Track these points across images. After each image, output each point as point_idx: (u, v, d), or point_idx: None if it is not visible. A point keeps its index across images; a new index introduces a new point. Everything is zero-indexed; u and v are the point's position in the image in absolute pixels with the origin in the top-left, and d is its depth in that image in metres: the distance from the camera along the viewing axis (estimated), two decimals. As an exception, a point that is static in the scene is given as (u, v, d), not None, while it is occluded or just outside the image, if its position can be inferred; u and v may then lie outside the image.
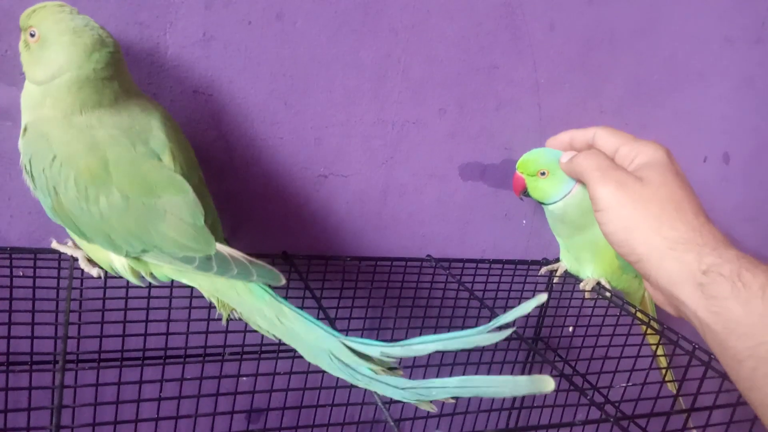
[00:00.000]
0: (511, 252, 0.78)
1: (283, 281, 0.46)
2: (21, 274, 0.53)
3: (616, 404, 0.53)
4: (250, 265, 0.46)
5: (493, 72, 0.68)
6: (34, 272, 0.52)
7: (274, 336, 0.46)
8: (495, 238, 0.77)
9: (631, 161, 0.51)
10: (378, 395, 0.43)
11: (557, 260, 0.74)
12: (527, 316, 0.77)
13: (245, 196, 0.62)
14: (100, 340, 0.52)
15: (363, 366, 0.43)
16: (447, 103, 0.68)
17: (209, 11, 0.55)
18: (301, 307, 0.45)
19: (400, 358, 0.43)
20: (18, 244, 0.55)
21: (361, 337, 0.44)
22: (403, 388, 0.41)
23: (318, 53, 0.60)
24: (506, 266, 0.74)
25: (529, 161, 0.63)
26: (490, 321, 0.42)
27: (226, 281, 0.46)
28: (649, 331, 0.65)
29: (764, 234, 0.97)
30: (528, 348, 0.78)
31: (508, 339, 0.42)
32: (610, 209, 0.48)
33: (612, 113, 0.77)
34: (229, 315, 0.48)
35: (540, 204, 0.65)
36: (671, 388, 0.70)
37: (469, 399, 0.69)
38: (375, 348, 0.43)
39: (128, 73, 0.48)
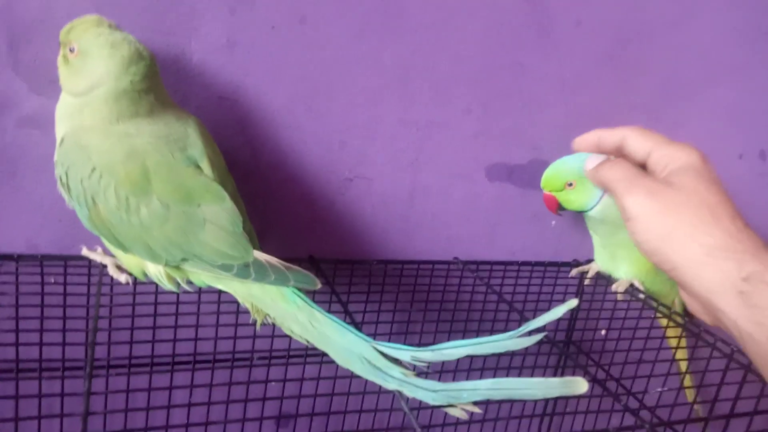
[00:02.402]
0: (540, 254, 0.78)
1: (319, 285, 0.47)
2: (52, 281, 0.54)
3: (652, 409, 0.53)
4: (287, 271, 0.47)
5: (518, 70, 0.68)
6: (65, 279, 0.54)
7: (306, 341, 0.47)
8: (524, 240, 0.77)
9: (664, 167, 0.50)
10: (406, 402, 0.43)
11: (588, 261, 0.73)
12: (558, 320, 0.77)
13: (271, 201, 0.63)
14: (130, 346, 0.54)
15: (394, 369, 0.43)
16: (471, 102, 0.68)
17: (233, 17, 0.56)
18: (328, 311, 0.46)
19: (431, 363, 0.44)
20: (48, 252, 0.56)
21: (389, 341, 0.44)
22: (434, 391, 0.42)
23: (340, 55, 0.61)
24: (535, 268, 0.74)
25: (552, 177, 0.63)
26: (519, 325, 0.42)
27: (261, 287, 0.47)
28: (685, 333, 0.64)
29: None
30: (559, 352, 0.77)
31: (539, 343, 0.43)
32: (641, 218, 0.48)
33: (643, 109, 0.76)
34: (263, 320, 0.49)
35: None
36: (691, 394, 0.69)
37: (499, 405, 0.69)
38: (406, 352, 0.44)
39: (162, 84, 0.49)
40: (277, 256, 0.64)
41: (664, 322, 0.67)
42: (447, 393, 0.41)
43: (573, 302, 0.44)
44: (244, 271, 0.46)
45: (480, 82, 0.67)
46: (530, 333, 0.41)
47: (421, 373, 0.44)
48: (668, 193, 0.48)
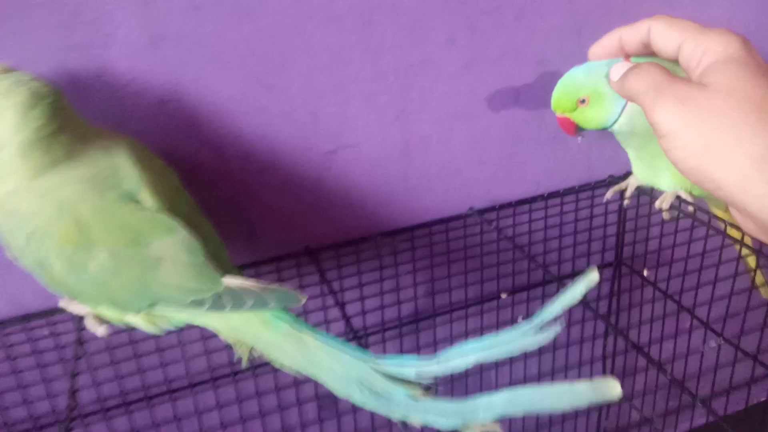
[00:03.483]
0: (570, 177, 0.69)
1: (303, 301, 0.43)
2: (36, 336, 0.53)
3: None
4: (264, 293, 0.42)
5: (501, -24, 0.58)
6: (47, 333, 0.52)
7: (298, 372, 0.43)
8: (548, 166, 0.68)
9: (697, 63, 0.41)
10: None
11: (626, 175, 0.65)
12: (604, 243, 0.70)
13: (249, 198, 0.58)
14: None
15: (399, 391, 0.39)
16: (454, 29, 0.58)
17: (147, 10, 0.49)
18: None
19: (438, 376, 0.39)
20: (32, 304, 0.54)
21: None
22: (445, 415, 0.37)
23: (285, 19, 0.53)
24: (566, 198, 0.66)
25: (560, 96, 0.54)
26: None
27: (241, 316, 0.43)
28: (745, 251, 0.56)
29: None
30: (605, 324, 0.71)
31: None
32: (673, 133, 0.39)
33: (665, -17, 0.64)
34: (249, 355, 0.46)
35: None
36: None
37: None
38: (409, 369, 0.39)
39: (77, 116, 0.44)
40: (273, 253, 0.60)
41: (720, 239, 0.58)
42: (460, 414, 0.37)
43: (594, 275, 0.38)
44: (217, 303, 0.42)
45: (458, 3, 0.57)
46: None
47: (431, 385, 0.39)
48: (703, 97, 0.39)
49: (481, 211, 0.63)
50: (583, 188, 0.66)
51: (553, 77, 0.59)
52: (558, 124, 0.56)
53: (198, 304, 0.42)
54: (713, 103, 0.37)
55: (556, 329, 0.37)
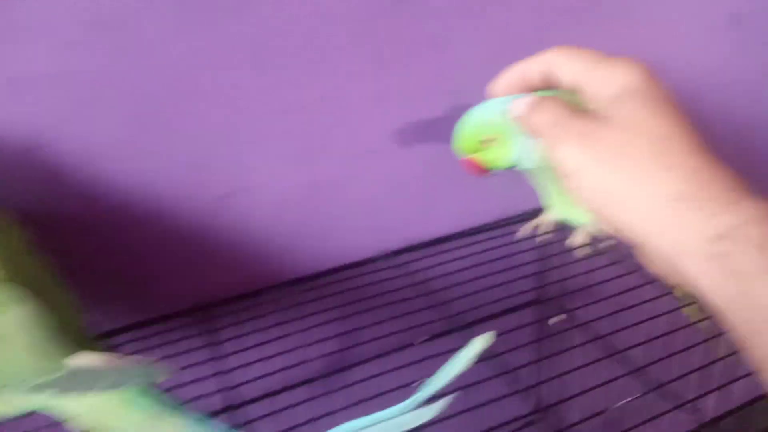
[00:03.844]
0: (493, 211, 0.66)
1: (164, 377, 0.38)
2: None
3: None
4: (120, 370, 0.37)
5: (402, 6, 0.54)
6: None
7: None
8: (468, 202, 0.65)
9: (599, 96, 0.38)
10: None
11: (540, 212, 0.62)
12: (525, 283, 0.67)
13: (129, 251, 0.51)
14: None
15: None
16: (356, 60, 0.54)
17: (3, 47, 0.42)
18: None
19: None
20: None
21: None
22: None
23: (170, 55, 0.47)
24: (484, 235, 0.63)
25: (462, 140, 0.50)
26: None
27: (100, 398, 0.37)
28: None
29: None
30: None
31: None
32: (577, 172, 0.36)
33: (581, 10, 0.62)
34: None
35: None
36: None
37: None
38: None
39: None
40: (160, 312, 0.54)
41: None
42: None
43: (485, 338, 0.35)
44: (65, 385, 0.37)
45: (359, 32, 0.53)
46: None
47: None
48: (605, 133, 0.36)
49: (396, 253, 0.59)
50: (499, 224, 0.64)
51: (468, 109, 0.56)
52: (463, 166, 0.52)
53: (41, 388, 0.36)
54: (616, 140, 0.34)
55: (448, 400, 0.33)
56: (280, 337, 0.56)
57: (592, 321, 0.60)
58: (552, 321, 0.67)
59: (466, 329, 0.64)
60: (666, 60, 0.69)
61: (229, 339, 0.53)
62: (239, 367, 0.49)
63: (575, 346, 0.59)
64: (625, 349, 0.55)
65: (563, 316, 0.66)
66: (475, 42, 0.58)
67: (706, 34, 0.71)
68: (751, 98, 0.78)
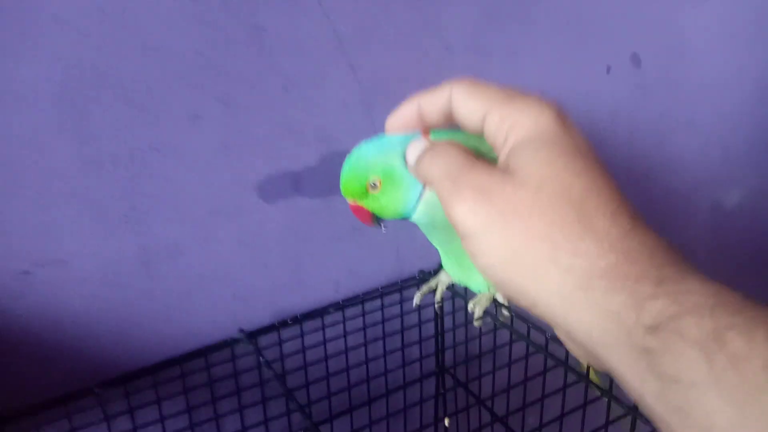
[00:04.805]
0: (377, 273, 0.58)
1: None
2: None
3: None
4: None
5: (260, 36, 0.46)
6: None
7: None
8: (348, 264, 0.56)
9: (504, 140, 0.31)
10: None
11: (436, 271, 0.54)
12: (421, 357, 0.58)
13: None
14: None
15: None
16: (199, 103, 0.45)
17: None
18: None
19: None
20: None
21: None
22: None
23: None
24: (368, 304, 0.54)
25: (346, 182, 0.42)
26: None
27: None
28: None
29: (701, 142, 0.80)
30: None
31: None
32: (475, 236, 0.29)
33: (464, 47, 0.55)
34: None
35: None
36: None
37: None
38: None
39: None
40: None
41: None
42: None
43: None
44: None
45: (205, 70, 0.44)
46: None
47: None
48: (508, 189, 0.29)
49: (255, 334, 0.49)
50: (389, 289, 0.55)
51: (342, 157, 0.47)
52: (352, 212, 0.44)
53: None
54: (520, 198, 0.28)
55: None
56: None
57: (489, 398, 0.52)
58: (446, 422, 0.59)
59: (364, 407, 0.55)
60: (567, 98, 0.64)
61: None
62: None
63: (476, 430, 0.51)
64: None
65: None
66: (345, 83, 0.50)
67: (607, 74, 0.67)
68: (654, 142, 0.75)
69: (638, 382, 0.25)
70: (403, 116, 0.36)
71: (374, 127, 0.41)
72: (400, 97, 0.37)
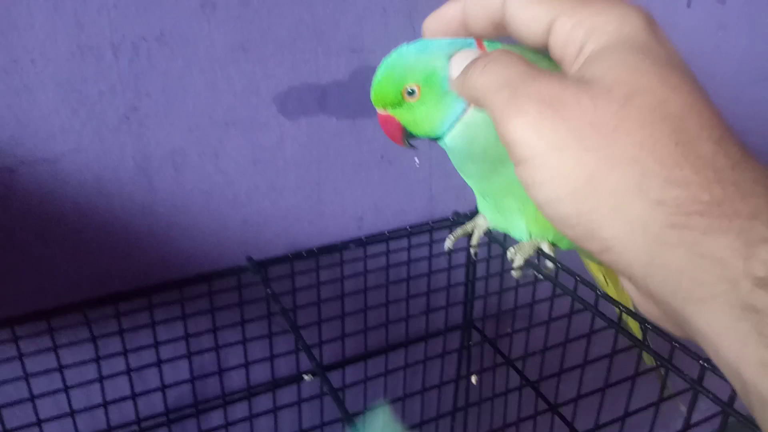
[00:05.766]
0: (406, 212, 0.53)
1: None
2: None
3: None
4: None
5: None
6: None
7: None
8: (374, 198, 0.51)
9: (578, 50, 0.26)
10: None
11: (473, 215, 0.49)
12: (448, 309, 0.53)
13: None
14: None
15: None
16: (214, -11, 0.39)
17: None
18: None
19: None
20: None
21: None
22: None
23: None
24: (393, 242, 0.49)
25: (380, 86, 0.36)
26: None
27: None
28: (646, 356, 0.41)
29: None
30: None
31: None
32: (538, 158, 0.24)
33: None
34: None
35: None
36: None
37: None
38: None
39: None
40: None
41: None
42: None
43: None
44: None
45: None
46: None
47: None
48: (586, 101, 0.24)
49: (265, 264, 0.44)
50: (418, 229, 0.49)
51: (371, 73, 0.42)
52: (380, 123, 0.38)
53: None
54: (602, 112, 0.23)
55: None
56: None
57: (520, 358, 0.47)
58: (474, 379, 0.54)
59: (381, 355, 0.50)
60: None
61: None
62: None
63: (502, 393, 0.46)
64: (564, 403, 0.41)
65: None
66: (387, -19, 0.44)
67: (687, 8, 0.59)
68: (729, 96, 0.67)
69: (736, 349, 0.20)
70: (444, 18, 0.31)
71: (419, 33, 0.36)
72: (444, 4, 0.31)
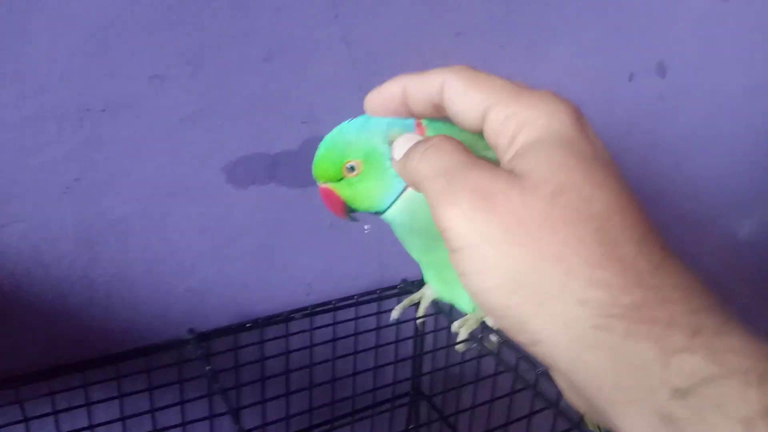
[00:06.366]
0: (356, 278, 0.53)
1: None
2: None
3: None
4: None
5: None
6: None
7: None
8: (323, 265, 0.51)
9: (510, 141, 0.27)
10: None
11: (422, 283, 0.49)
12: (395, 379, 0.53)
13: None
14: None
15: None
16: (163, 62, 0.40)
17: None
18: None
19: None
20: None
21: None
22: None
23: None
24: (340, 308, 0.49)
25: (321, 160, 0.37)
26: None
27: None
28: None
29: (725, 160, 0.75)
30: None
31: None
32: (468, 249, 0.25)
33: (476, 34, 0.50)
34: None
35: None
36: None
37: None
38: None
39: None
40: None
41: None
42: None
43: None
44: None
45: (177, 25, 0.39)
46: None
47: None
48: (515, 195, 0.25)
49: (207, 336, 0.44)
50: (366, 298, 0.50)
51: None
52: (321, 197, 0.39)
53: None
54: (530, 208, 0.24)
55: None
56: None
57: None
58: None
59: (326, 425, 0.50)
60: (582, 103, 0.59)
61: None
62: None
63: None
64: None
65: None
66: (338, 57, 0.45)
67: (629, 82, 0.62)
68: (672, 161, 0.70)
69: None
70: (385, 96, 0.32)
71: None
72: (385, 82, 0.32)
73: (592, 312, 0.21)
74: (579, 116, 0.26)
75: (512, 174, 0.24)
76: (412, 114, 0.31)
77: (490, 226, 0.24)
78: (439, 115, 0.31)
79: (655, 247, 0.23)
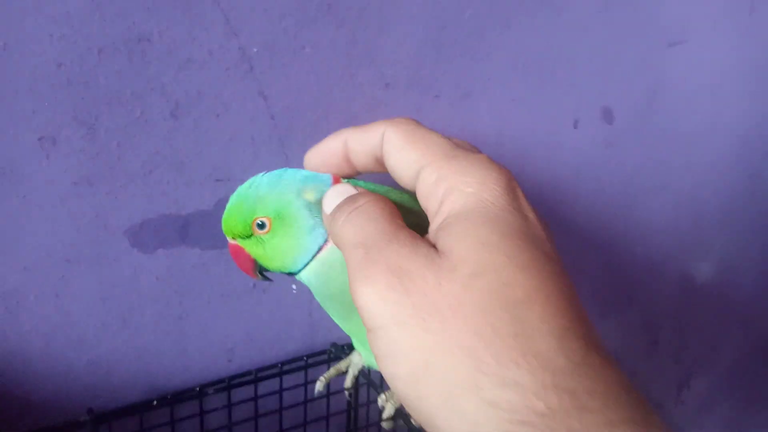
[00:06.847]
0: (283, 341, 0.50)
1: None
2: None
3: None
4: None
5: (143, 50, 0.38)
6: None
7: None
8: (245, 329, 0.48)
9: (438, 205, 0.25)
10: None
11: (351, 347, 0.46)
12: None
13: None
14: None
15: None
16: (53, 123, 0.37)
17: None
18: None
19: None
20: None
21: None
22: None
23: None
24: (262, 380, 0.45)
25: (230, 215, 0.34)
26: None
27: None
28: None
29: (673, 206, 0.74)
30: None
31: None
32: (379, 331, 0.23)
33: (406, 83, 0.49)
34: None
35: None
36: None
37: None
38: None
39: None
40: None
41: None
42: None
43: None
44: None
45: (61, 85, 0.36)
46: None
47: None
48: (429, 277, 0.23)
49: (105, 417, 0.40)
50: (293, 365, 0.46)
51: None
52: (231, 254, 0.36)
53: None
54: (444, 292, 0.22)
55: None
56: None
57: None
58: None
59: None
60: (526, 151, 0.58)
61: None
62: None
63: None
64: None
65: None
66: (255, 111, 0.43)
67: (574, 129, 0.61)
68: (621, 205, 0.69)
69: None
70: (325, 152, 0.30)
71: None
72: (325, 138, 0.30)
73: (504, 416, 0.20)
74: (512, 185, 0.24)
75: (432, 250, 0.23)
76: (355, 170, 0.29)
77: (403, 308, 0.22)
78: (383, 170, 0.29)
79: (578, 341, 0.21)
